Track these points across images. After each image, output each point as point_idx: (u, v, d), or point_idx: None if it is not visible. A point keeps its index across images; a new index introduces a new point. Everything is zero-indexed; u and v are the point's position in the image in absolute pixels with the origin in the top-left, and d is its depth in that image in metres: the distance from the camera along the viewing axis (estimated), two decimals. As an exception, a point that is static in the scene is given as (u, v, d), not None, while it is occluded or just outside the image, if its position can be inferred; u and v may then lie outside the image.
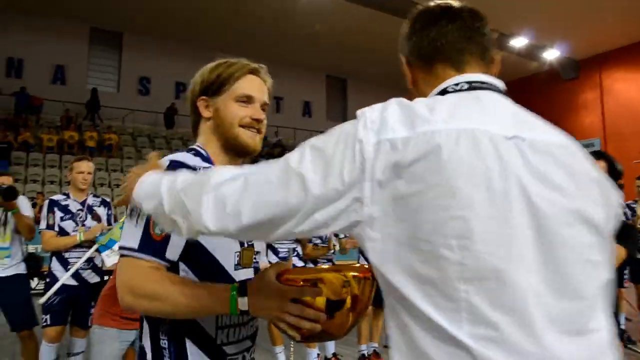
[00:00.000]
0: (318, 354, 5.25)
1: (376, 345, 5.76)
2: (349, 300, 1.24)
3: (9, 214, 4.31)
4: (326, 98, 25.70)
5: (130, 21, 19.64)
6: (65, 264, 4.18)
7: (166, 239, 1.33)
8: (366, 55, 22.24)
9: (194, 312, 1.31)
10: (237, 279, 1.44)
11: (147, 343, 1.42)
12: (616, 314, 6.82)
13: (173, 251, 1.35)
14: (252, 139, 1.53)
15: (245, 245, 1.51)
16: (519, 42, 20.14)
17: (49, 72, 19.84)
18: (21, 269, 4.36)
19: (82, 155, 4.83)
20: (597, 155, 2.49)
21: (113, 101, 19.84)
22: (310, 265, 5.40)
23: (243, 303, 1.24)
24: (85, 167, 4.34)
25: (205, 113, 1.54)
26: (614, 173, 2.42)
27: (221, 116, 1.52)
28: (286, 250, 5.19)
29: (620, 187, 2.29)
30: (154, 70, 20.99)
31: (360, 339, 5.60)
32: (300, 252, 5.30)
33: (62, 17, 19.08)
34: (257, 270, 1.55)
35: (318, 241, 5.46)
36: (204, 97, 1.54)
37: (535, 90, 24.05)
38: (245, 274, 1.50)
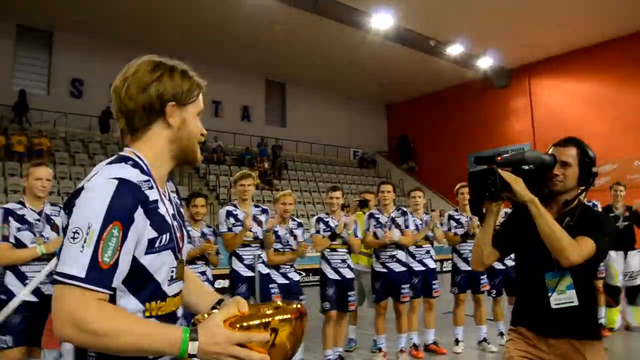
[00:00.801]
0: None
1: (340, 350, 5.76)
2: (288, 342, 1.35)
3: None
4: (265, 102, 25.53)
5: (62, 19, 18.72)
6: (22, 278, 3.84)
7: (114, 266, 1.26)
8: (305, 60, 22.32)
9: (140, 352, 1.25)
10: (169, 294, 1.43)
11: None
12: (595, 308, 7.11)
13: (119, 278, 1.28)
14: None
15: (179, 257, 1.48)
16: (455, 49, 20.81)
17: (-29, 72, 18.63)
18: None
19: (38, 160, 4.48)
20: (568, 142, 2.39)
21: (43, 104, 18.87)
22: (274, 270, 5.34)
23: (193, 347, 1.24)
24: (44, 174, 4.06)
25: (172, 121, 1.45)
26: (586, 160, 2.36)
27: (188, 128, 1.47)
28: (251, 257, 5.12)
29: (594, 175, 2.34)
30: (87, 72, 20.10)
31: (326, 344, 5.58)
32: (265, 259, 5.23)
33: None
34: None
35: (279, 246, 5.41)
36: (174, 104, 1.45)
37: (470, 97, 24.98)
38: (178, 286, 1.49)
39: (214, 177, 19.52)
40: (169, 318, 1.45)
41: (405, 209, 6.08)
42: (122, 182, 1.29)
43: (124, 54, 18.37)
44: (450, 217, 6.44)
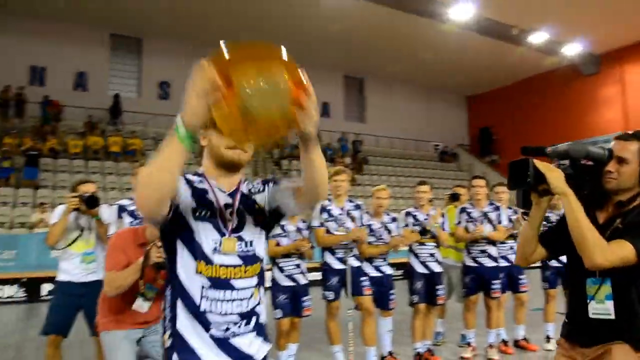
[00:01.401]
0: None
1: (429, 342, 5.80)
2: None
3: (93, 220, 4.43)
4: (344, 98, 25.69)
5: (149, 26, 19.78)
6: None
7: None
8: (384, 54, 22.25)
9: (166, 160, 1.58)
10: (215, 262, 1.82)
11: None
12: None
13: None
14: (238, 156, 1.90)
15: (225, 235, 1.86)
16: (538, 37, 20.05)
17: (71, 79, 20.03)
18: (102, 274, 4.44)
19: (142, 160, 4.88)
20: (631, 136, 2.17)
21: (134, 106, 19.99)
22: (367, 263, 5.44)
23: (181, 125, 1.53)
24: None
25: (202, 142, 1.91)
26: None
27: (211, 144, 1.89)
28: (343, 250, 5.23)
29: None
30: (173, 75, 21.10)
31: (415, 337, 5.63)
32: (356, 252, 5.34)
33: (83, 24, 19.28)
34: (245, 257, 1.88)
35: (373, 239, 5.50)
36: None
37: (555, 86, 23.94)
38: (229, 259, 1.85)
39: (296, 173, 19.92)
40: (219, 283, 1.82)
41: (498, 204, 6.00)
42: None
43: (206, 54, 19.36)
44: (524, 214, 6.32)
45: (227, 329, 1.82)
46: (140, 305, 3.04)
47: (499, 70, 24.03)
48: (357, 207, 5.43)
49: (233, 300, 1.83)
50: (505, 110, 26.33)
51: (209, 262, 1.80)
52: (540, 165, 2.07)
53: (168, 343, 1.82)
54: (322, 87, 24.13)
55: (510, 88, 26.06)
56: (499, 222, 5.84)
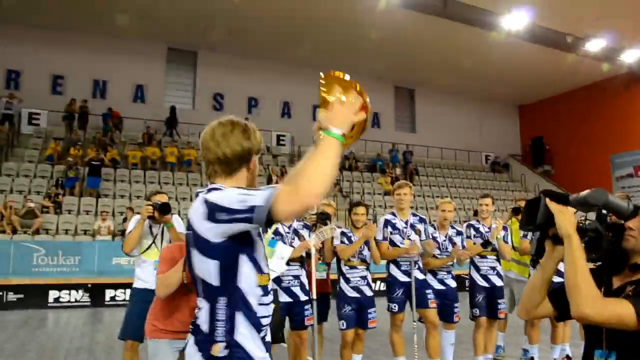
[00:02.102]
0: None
1: (491, 356, 5.78)
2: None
3: (165, 228, 4.66)
4: (394, 108, 25.70)
5: (204, 40, 20.36)
6: None
7: None
8: (434, 64, 22.18)
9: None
10: (264, 272, 2.02)
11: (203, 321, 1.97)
12: None
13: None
14: None
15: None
16: (595, 44, 19.57)
17: (130, 92, 20.82)
18: None
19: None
20: None
21: (189, 117, 20.57)
22: (430, 276, 5.50)
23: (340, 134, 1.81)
24: None
25: (251, 165, 2.12)
26: None
27: (254, 169, 2.14)
28: (408, 262, 5.30)
29: None
30: (227, 87, 21.67)
31: (477, 351, 5.64)
32: (421, 264, 5.40)
33: (141, 38, 20.05)
34: None
35: (437, 252, 5.55)
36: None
37: (610, 94, 23.30)
38: (267, 267, 2.07)
39: (347, 184, 20.03)
40: (266, 290, 2.02)
41: None
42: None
43: (259, 68, 19.72)
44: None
45: (266, 328, 2.03)
46: None
47: (551, 79, 23.54)
48: (422, 220, 5.51)
49: (269, 303, 2.03)
50: (558, 119, 25.72)
51: (262, 272, 1.99)
52: (553, 205, 1.89)
53: (223, 353, 1.90)
54: (373, 97, 23.77)
55: (563, 97, 25.46)
56: None
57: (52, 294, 11.83)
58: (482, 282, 5.69)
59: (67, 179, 15.97)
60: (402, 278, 5.30)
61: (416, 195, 20.24)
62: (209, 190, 1.96)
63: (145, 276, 4.77)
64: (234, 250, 1.90)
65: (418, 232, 5.38)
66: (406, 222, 5.39)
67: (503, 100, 27.50)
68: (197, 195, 2.01)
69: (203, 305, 1.97)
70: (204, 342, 1.94)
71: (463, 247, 5.62)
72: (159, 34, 19.95)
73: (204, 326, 1.95)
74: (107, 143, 17.98)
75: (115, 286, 12.28)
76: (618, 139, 23.16)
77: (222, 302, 1.92)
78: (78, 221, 14.91)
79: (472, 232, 5.79)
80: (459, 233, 5.73)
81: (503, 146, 27.54)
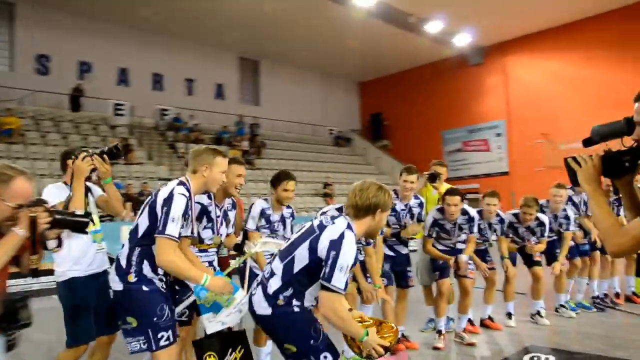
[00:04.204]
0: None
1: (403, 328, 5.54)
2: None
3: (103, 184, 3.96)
4: (239, 80, 24.91)
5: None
6: None
7: None
8: (279, 37, 21.78)
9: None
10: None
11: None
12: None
13: None
14: None
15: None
16: (433, 26, 20.66)
17: None
18: None
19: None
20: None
21: (7, 81, 17.78)
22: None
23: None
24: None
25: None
26: None
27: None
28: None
29: None
30: (53, 48, 19.09)
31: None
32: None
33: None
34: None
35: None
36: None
37: (444, 75, 25.01)
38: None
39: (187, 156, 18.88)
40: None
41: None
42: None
43: (91, 29, 17.62)
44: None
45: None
46: None
47: (393, 57, 24.55)
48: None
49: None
50: (396, 96, 27.02)
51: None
52: (571, 162, 2.10)
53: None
54: (217, 67, 23.27)
55: (401, 74, 26.78)
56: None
57: None
58: (388, 251, 5.37)
59: None
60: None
61: (264, 168, 19.88)
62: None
63: None
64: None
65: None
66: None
67: (345, 75, 28.14)
68: None
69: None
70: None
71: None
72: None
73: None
74: None
75: None
76: (448, 116, 25.02)
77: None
78: None
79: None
80: (420, 205, 5.53)
81: (346, 121, 28.29)
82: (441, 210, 5.60)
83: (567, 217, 6.52)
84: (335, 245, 2.70)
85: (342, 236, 2.71)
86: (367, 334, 2.75)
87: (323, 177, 21.27)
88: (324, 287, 2.66)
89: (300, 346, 2.77)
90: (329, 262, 2.65)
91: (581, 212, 6.97)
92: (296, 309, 2.81)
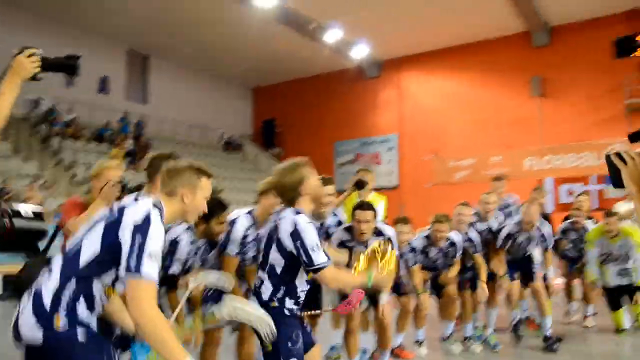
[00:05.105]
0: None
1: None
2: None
3: None
4: (126, 74, 23.21)
5: None
6: None
7: None
8: (172, 32, 20.53)
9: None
10: None
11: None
12: None
13: None
14: None
15: None
16: (333, 35, 20.47)
17: None
18: None
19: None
20: None
21: None
22: None
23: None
24: None
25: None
26: None
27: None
28: None
29: None
30: None
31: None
32: None
33: None
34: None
35: None
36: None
37: (341, 86, 25.02)
38: None
39: (70, 154, 17.15)
40: None
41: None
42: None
43: None
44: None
45: None
46: None
47: (289, 63, 24.04)
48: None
49: None
50: (290, 104, 26.63)
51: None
52: (616, 159, 1.87)
53: None
54: (102, 59, 21.35)
55: (297, 82, 26.31)
56: None
57: None
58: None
59: None
60: None
61: (150, 171, 18.51)
62: None
63: None
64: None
65: None
66: None
67: (239, 78, 27.20)
68: None
69: None
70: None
71: None
72: None
73: None
74: None
75: None
76: (343, 127, 25.02)
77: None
78: None
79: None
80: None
81: (237, 126, 27.40)
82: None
83: (470, 240, 6.04)
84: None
85: None
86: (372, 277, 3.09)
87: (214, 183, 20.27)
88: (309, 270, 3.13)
89: (276, 345, 2.87)
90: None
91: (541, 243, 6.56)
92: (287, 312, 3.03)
